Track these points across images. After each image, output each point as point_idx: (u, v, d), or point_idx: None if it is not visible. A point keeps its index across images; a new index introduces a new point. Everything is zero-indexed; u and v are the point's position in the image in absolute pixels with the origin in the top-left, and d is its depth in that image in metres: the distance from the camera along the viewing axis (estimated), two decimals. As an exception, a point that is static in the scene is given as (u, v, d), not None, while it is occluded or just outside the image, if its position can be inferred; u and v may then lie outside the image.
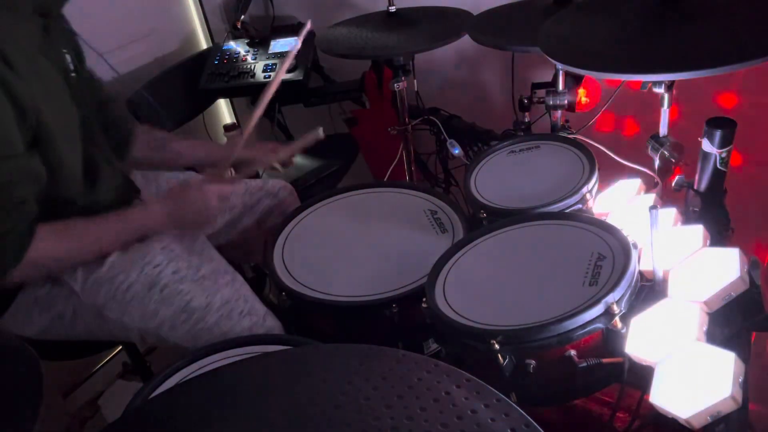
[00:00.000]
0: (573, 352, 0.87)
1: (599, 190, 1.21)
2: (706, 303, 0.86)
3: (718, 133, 1.02)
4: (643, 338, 0.85)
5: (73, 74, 1.09)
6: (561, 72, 1.36)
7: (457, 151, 1.47)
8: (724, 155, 1.05)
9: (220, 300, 1.11)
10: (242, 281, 1.19)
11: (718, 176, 1.07)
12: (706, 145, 1.05)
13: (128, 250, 1.11)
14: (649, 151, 1.18)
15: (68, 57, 1.10)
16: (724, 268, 0.88)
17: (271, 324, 1.14)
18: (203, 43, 2.23)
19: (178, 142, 1.41)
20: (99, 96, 1.28)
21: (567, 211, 1.13)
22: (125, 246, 1.11)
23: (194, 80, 1.95)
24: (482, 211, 1.19)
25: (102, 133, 1.17)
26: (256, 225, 1.45)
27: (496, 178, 1.30)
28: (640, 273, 0.95)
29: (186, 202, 1.14)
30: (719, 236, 1.07)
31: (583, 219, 1.06)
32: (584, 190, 1.15)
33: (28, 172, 0.95)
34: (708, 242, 0.97)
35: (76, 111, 1.05)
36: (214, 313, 1.09)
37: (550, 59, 1.08)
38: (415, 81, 1.75)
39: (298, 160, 1.94)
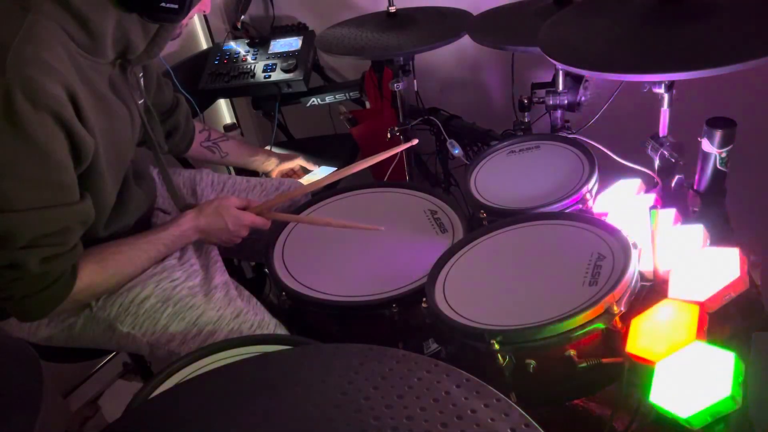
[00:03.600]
0: (573, 352, 0.87)
1: (599, 190, 1.21)
2: (706, 303, 0.86)
3: (718, 133, 1.02)
4: (643, 338, 0.85)
5: (141, 100, 1.11)
6: (561, 72, 1.36)
7: (457, 151, 1.47)
8: (724, 155, 1.05)
9: (230, 314, 1.10)
10: (249, 295, 1.19)
11: (718, 176, 1.07)
12: (706, 145, 1.05)
13: None
14: (649, 151, 1.18)
15: (142, 81, 1.12)
16: (724, 268, 0.88)
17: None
18: (203, 43, 2.23)
19: (226, 142, 1.51)
20: (167, 104, 1.30)
21: (567, 211, 1.13)
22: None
23: (194, 80, 1.95)
24: (482, 211, 1.19)
25: (153, 148, 1.19)
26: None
27: (496, 178, 1.30)
28: (640, 273, 0.95)
29: (219, 223, 1.16)
30: (719, 236, 1.07)
31: (583, 219, 1.06)
32: (584, 190, 1.15)
33: (83, 217, 0.95)
34: (708, 242, 0.97)
35: (134, 142, 1.08)
36: (224, 327, 1.09)
37: (550, 59, 1.08)
38: (415, 81, 1.75)
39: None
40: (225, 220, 1.16)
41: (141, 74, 1.13)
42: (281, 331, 1.14)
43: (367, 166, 1.27)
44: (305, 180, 1.61)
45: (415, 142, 1.33)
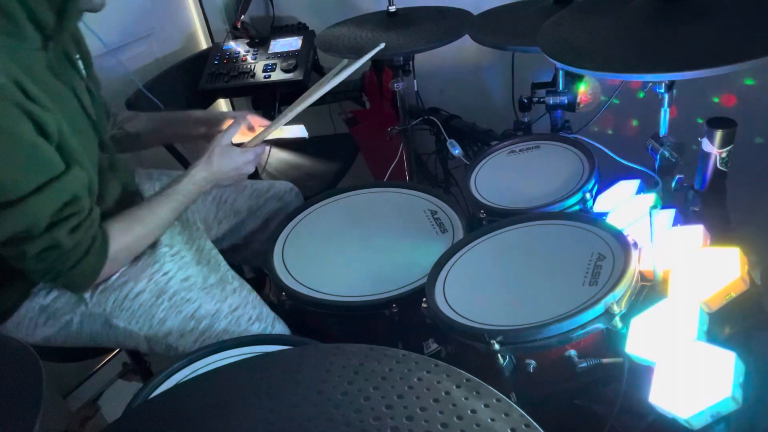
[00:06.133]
0: (573, 352, 0.87)
1: (599, 190, 1.21)
2: (706, 303, 0.86)
3: (718, 133, 1.02)
4: (643, 338, 0.85)
5: (84, 79, 1.09)
6: (561, 72, 1.36)
7: (457, 151, 1.47)
8: (724, 155, 1.05)
9: (228, 307, 1.11)
10: (249, 288, 1.19)
11: (718, 176, 1.07)
12: (706, 145, 1.04)
13: (138, 258, 1.12)
14: (649, 151, 1.18)
15: (80, 62, 1.10)
16: (724, 268, 0.88)
17: (280, 329, 1.14)
18: (203, 43, 2.23)
19: (134, 121, 1.35)
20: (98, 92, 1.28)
21: (567, 211, 1.13)
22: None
23: (194, 80, 1.95)
24: (482, 211, 1.19)
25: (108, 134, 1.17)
26: (262, 228, 1.45)
27: (496, 178, 1.30)
28: (640, 273, 0.95)
29: (229, 164, 1.16)
30: (719, 236, 1.07)
31: (583, 219, 1.06)
32: (584, 190, 1.15)
33: (81, 183, 0.97)
34: (708, 242, 0.97)
35: (91, 124, 1.06)
36: (222, 320, 1.09)
37: (550, 59, 1.08)
38: (415, 81, 1.75)
39: (298, 160, 1.95)
40: (233, 159, 1.16)
41: (77, 56, 1.10)
42: (279, 324, 1.15)
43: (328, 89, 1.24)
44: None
45: (382, 45, 1.30)
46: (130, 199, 1.19)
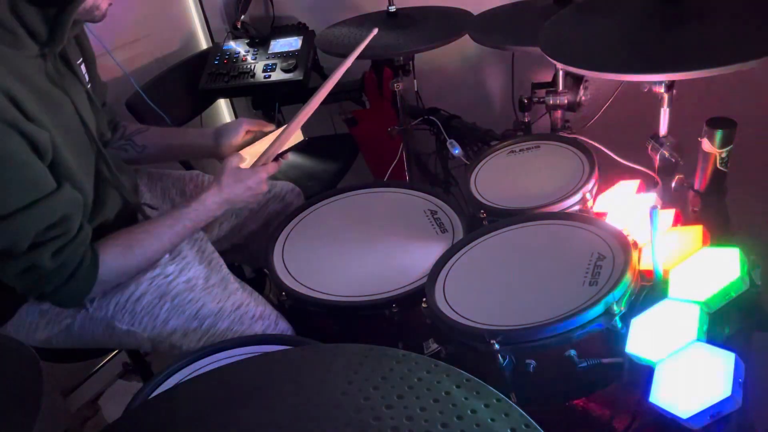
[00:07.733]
0: (573, 352, 0.87)
1: (599, 190, 1.21)
2: (706, 303, 0.86)
3: (718, 133, 1.02)
4: (643, 338, 0.85)
5: (88, 85, 1.09)
6: (561, 72, 1.36)
7: (457, 151, 1.47)
8: (724, 155, 1.05)
9: (231, 305, 1.11)
10: (251, 289, 1.19)
11: (718, 176, 1.07)
12: (706, 145, 1.04)
13: None
14: (649, 151, 1.18)
15: (83, 67, 1.10)
16: (724, 268, 0.88)
17: (283, 327, 1.15)
18: (203, 43, 2.23)
19: (143, 134, 1.33)
20: (104, 97, 1.28)
21: (567, 211, 1.13)
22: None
23: (194, 80, 1.95)
24: (482, 211, 1.19)
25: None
26: (262, 228, 1.45)
27: (496, 178, 1.30)
28: (640, 273, 0.95)
29: (240, 187, 1.14)
30: (719, 236, 1.07)
31: (583, 219, 1.06)
32: (584, 190, 1.15)
33: (71, 201, 0.96)
34: (708, 242, 0.97)
35: (88, 134, 1.05)
36: (225, 318, 1.10)
37: (550, 59, 1.08)
38: (415, 81, 1.75)
39: (298, 160, 1.95)
40: (245, 183, 1.15)
41: (80, 61, 1.10)
42: (282, 321, 1.15)
43: (327, 91, 1.22)
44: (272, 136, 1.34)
45: (375, 31, 1.25)
46: (131, 212, 1.19)
